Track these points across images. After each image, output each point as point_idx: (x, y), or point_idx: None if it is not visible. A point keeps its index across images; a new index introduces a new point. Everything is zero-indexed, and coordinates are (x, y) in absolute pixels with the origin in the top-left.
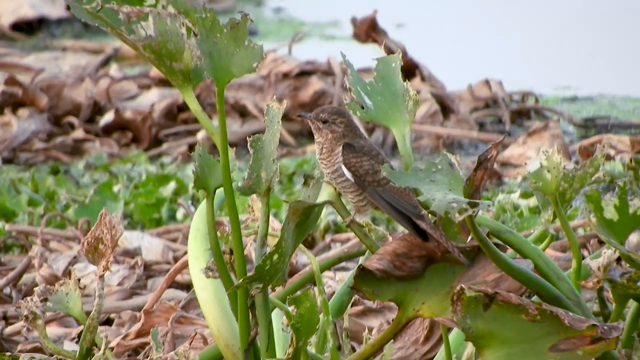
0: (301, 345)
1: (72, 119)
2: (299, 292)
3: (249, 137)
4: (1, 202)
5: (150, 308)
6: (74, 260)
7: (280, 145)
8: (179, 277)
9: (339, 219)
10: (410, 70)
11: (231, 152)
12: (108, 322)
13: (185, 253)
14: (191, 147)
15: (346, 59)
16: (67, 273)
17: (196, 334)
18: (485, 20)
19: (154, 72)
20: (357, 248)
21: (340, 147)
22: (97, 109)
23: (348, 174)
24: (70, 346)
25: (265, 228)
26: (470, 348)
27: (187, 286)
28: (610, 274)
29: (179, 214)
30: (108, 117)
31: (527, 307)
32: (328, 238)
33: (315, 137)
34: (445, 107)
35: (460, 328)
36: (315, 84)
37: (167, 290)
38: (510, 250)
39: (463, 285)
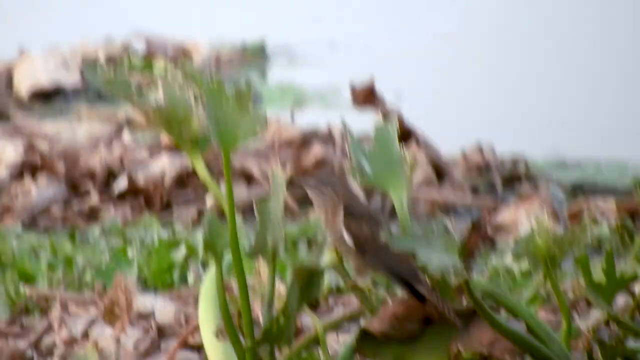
0: None
1: (88, 185)
2: (304, 353)
3: (255, 202)
4: (21, 266)
5: None
6: (92, 323)
7: (285, 210)
8: (190, 339)
9: (341, 282)
10: (406, 135)
11: (238, 217)
12: None
13: (197, 315)
14: (201, 213)
15: (346, 126)
16: (85, 335)
17: None
18: (479, 88)
19: (165, 138)
20: (359, 310)
21: (342, 212)
22: (112, 175)
23: (349, 239)
24: None
25: (272, 291)
26: None
27: (199, 348)
28: (599, 335)
29: (190, 278)
30: (121, 184)
31: None
32: (331, 300)
33: (317, 202)
34: (439, 172)
35: None
36: (317, 150)
37: (180, 352)
38: (503, 312)
39: (459, 347)
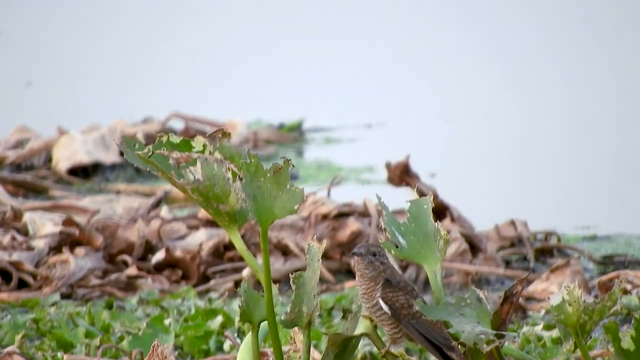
0: None
1: (126, 257)
2: None
3: (291, 274)
4: (60, 334)
5: None
6: None
7: (320, 281)
8: None
9: (375, 349)
10: (440, 211)
11: (274, 288)
12: None
13: None
14: (237, 284)
15: (381, 201)
16: None
17: None
18: (511, 165)
19: (202, 213)
20: None
21: (381, 283)
22: (149, 248)
23: (385, 308)
24: None
25: (307, 359)
26: None
27: None
28: None
29: (226, 346)
30: (159, 256)
31: None
32: None
33: (365, 271)
34: (473, 245)
35: None
36: (353, 225)
37: None
38: None
39: None
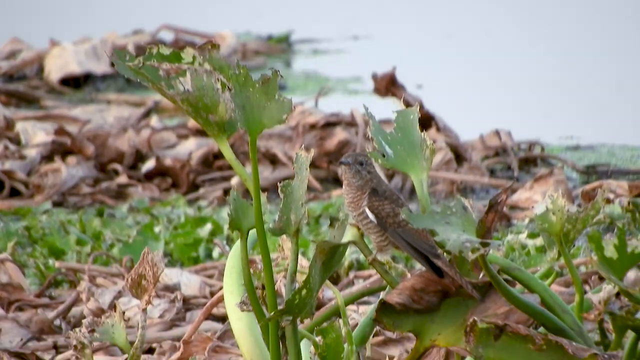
0: None
1: (117, 166)
2: (325, 324)
3: (280, 182)
4: (52, 242)
5: (188, 338)
6: (119, 294)
7: (308, 190)
8: (215, 310)
9: (361, 257)
10: (426, 121)
11: (263, 196)
12: (150, 351)
13: (221, 288)
14: (226, 192)
15: (368, 111)
16: (113, 306)
17: None
18: (496, 76)
19: (192, 123)
20: (379, 284)
21: (367, 192)
22: (139, 157)
23: (371, 216)
24: None
25: (295, 265)
26: None
27: (223, 318)
28: (610, 307)
29: (215, 253)
30: (149, 164)
31: (534, 337)
32: (352, 275)
33: (352, 180)
34: (459, 155)
35: (473, 357)
36: (340, 134)
37: (204, 322)
38: (518, 286)
39: (475, 318)
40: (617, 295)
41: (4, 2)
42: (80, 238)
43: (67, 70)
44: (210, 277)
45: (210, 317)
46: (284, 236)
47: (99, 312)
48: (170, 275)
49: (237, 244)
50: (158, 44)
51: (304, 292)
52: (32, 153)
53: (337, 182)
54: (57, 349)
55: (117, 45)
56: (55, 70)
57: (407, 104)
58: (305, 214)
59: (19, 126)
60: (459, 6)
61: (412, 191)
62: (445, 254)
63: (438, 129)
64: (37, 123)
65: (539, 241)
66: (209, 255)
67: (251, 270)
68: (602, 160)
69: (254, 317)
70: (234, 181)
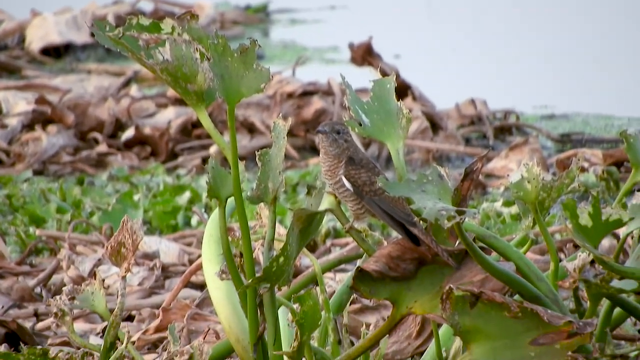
0: (305, 339)
1: (96, 135)
2: (302, 292)
3: (257, 151)
4: (32, 210)
5: (167, 306)
6: (99, 262)
7: (286, 158)
8: (193, 278)
9: (338, 225)
10: (403, 90)
11: (241, 164)
12: (130, 318)
13: (200, 256)
14: (204, 160)
15: (345, 81)
16: (93, 274)
17: (209, 329)
18: (472, 46)
19: (171, 92)
20: (355, 252)
21: (344, 160)
22: (119, 126)
23: (348, 185)
24: (95, 340)
25: (272, 233)
26: (458, 342)
27: (201, 286)
28: (584, 275)
29: (194, 221)
30: (129, 133)
31: (510, 305)
32: (329, 242)
33: (329, 149)
34: (434, 124)
35: (449, 324)
36: (317, 103)
37: (183, 289)
38: (494, 254)
39: (451, 285)
40: (592, 263)
41: None
42: (60, 206)
43: (48, 40)
44: (189, 244)
45: (188, 284)
46: (262, 204)
47: (79, 280)
48: (150, 243)
49: (216, 212)
50: (137, 14)
51: (281, 259)
52: (13, 122)
53: (314, 150)
54: (37, 316)
55: (97, 15)
56: (36, 40)
57: (384, 73)
58: (283, 182)
59: (0, 95)
60: None
61: (389, 160)
62: (421, 222)
63: (414, 98)
64: (18, 92)
65: (514, 209)
66: (187, 223)
67: (229, 238)
68: (576, 129)
69: (232, 284)
70: (213, 150)
